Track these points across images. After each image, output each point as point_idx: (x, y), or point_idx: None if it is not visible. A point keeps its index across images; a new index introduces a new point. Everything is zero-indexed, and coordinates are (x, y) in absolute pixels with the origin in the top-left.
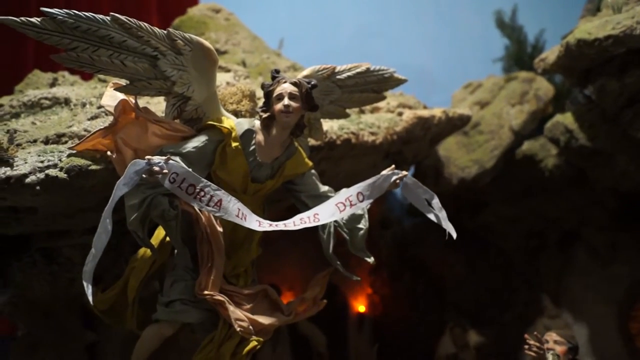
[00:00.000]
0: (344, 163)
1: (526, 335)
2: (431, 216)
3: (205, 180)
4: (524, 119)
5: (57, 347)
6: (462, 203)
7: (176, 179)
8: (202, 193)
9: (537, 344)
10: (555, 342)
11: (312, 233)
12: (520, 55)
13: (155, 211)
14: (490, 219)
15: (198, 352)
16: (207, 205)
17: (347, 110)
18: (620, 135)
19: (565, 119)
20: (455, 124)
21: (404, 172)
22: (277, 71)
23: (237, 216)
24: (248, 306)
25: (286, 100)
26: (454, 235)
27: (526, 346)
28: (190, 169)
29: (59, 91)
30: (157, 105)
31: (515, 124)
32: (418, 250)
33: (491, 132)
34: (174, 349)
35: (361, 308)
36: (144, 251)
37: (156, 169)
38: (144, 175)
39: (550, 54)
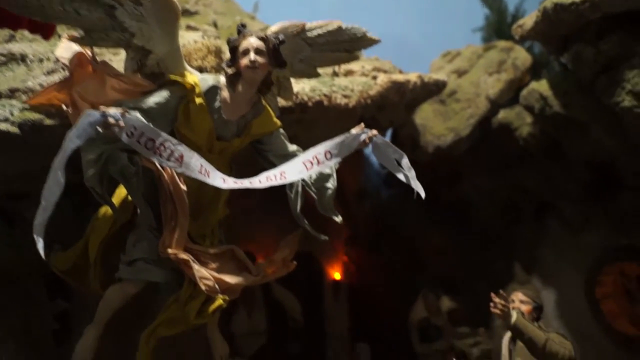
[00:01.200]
0: (317, 128)
1: (492, 294)
2: (400, 175)
3: (165, 135)
4: (500, 87)
5: (24, 315)
6: (439, 174)
7: (134, 132)
8: (162, 147)
9: (503, 302)
10: (522, 301)
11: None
12: (500, 25)
13: (113, 167)
14: (467, 191)
15: (163, 312)
16: (168, 160)
17: (320, 71)
18: (594, 104)
19: (540, 86)
20: (431, 90)
21: (374, 131)
22: (244, 25)
23: (200, 172)
24: (214, 265)
25: (252, 55)
26: (422, 194)
27: (492, 304)
28: (149, 124)
29: (15, 47)
30: (121, 63)
31: (491, 93)
32: (395, 220)
33: (468, 101)
34: (149, 315)
35: (337, 275)
36: (105, 210)
37: (111, 120)
38: (98, 128)
39: (528, 19)
